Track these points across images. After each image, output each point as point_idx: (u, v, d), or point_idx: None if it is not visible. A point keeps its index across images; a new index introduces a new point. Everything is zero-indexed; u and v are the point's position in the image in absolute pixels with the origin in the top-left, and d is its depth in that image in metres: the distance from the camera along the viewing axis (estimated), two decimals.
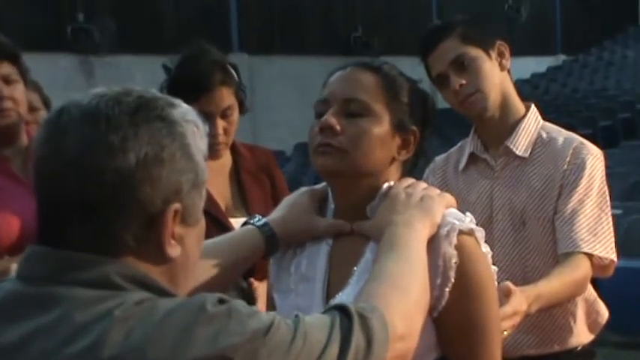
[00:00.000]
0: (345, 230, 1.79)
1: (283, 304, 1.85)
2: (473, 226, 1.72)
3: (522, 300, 2.17)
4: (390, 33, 19.27)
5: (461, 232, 1.69)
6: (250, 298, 2.61)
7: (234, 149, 2.88)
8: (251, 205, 2.79)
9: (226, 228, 2.50)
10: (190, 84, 2.62)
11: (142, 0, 16.21)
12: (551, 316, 2.56)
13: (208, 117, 2.59)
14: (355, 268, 1.74)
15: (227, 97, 2.69)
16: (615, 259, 2.51)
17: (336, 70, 1.84)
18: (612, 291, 4.38)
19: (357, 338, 1.33)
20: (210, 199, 2.69)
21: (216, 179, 2.76)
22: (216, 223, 2.54)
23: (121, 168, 1.24)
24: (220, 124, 2.68)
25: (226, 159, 2.85)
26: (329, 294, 1.76)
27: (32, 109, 3.39)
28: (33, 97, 3.47)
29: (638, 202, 8.54)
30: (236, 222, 2.69)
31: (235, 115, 2.75)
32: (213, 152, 2.73)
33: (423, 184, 1.77)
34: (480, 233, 1.73)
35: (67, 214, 1.26)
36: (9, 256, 2.59)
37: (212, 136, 2.59)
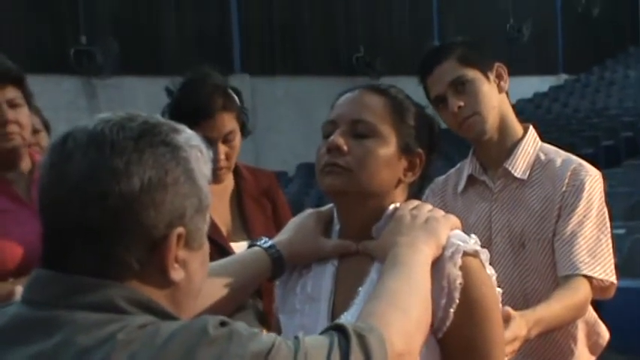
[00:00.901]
0: (350, 250, 1.81)
1: (289, 324, 1.85)
2: (477, 247, 1.73)
3: (522, 325, 2.17)
4: (392, 53, 19.30)
5: (465, 254, 1.70)
6: (265, 319, 2.61)
7: (236, 172, 2.88)
8: (252, 229, 2.79)
9: (228, 254, 2.51)
10: (191, 109, 2.62)
11: (144, 22, 16.26)
12: (552, 339, 2.55)
13: (210, 142, 2.60)
14: (360, 289, 1.75)
15: (228, 122, 2.69)
16: (615, 282, 2.51)
17: (344, 92, 1.86)
18: (615, 311, 4.37)
19: (356, 357, 1.34)
20: (212, 225, 2.69)
21: (217, 203, 2.75)
22: (218, 249, 2.54)
23: (125, 192, 1.25)
24: (222, 149, 2.68)
25: (228, 182, 2.85)
26: (334, 314, 1.77)
27: (34, 131, 3.41)
28: (34, 119, 3.49)
29: None
30: (236, 246, 2.70)
31: (237, 139, 2.74)
32: (215, 177, 2.72)
33: (428, 206, 1.79)
34: (485, 255, 1.74)
35: (72, 239, 1.27)
36: (13, 279, 2.60)
37: (214, 161, 2.59)
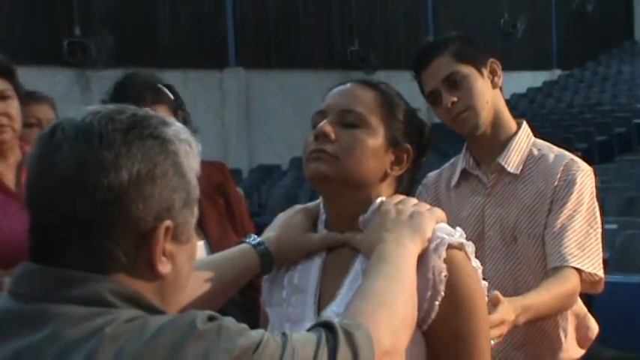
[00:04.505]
0: (337, 243, 1.82)
1: (275, 315, 1.86)
2: (462, 240, 1.73)
3: (510, 310, 2.19)
4: (386, 47, 19.31)
5: (450, 246, 1.70)
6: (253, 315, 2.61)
7: None
8: (208, 228, 2.79)
9: None
10: (120, 102, 2.66)
11: (138, 14, 16.22)
12: (542, 331, 2.57)
13: None
14: (345, 280, 1.76)
15: (162, 114, 2.70)
16: (603, 276, 2.53)
17: (335, 86, 1.87)
18: (607, 306, 4.39)
19: (343, 353, 1.34)
20: None
21: None
22: None
23: (113, 185, 1.25)
24: None
25: None
26: (320, 305, 1.78)
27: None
28: (50, 114, 3.49)
29: (633, 217, 8.55)
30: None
31: None
32: None
33: (413, 200, 1.79)
34: (470, 248, 1.75)
35: (59, 231, 1.26)
36: (2, 270, 2.59)
37: None
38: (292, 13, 18.50)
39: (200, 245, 2.69)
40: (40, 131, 2.98)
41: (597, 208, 2.57)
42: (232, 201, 2.90)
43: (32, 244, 1.31)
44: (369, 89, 1.82)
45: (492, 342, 2.04)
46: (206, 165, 2.92)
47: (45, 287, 1.26)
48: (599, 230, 2.54)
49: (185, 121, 2.81)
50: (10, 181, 2.81)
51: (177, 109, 2.79)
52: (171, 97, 2.77)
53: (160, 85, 2.77)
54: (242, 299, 2.63)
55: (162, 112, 2.67)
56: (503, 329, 2.15)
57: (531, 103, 20.14)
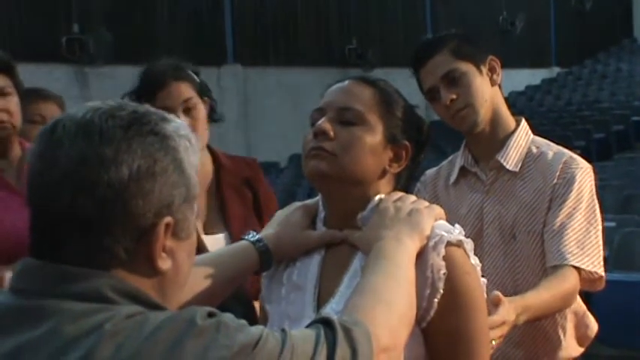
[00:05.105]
0: (336, 239, 1.82)
1: (274, 312, 1.86)
2: (461, 237, 1.74)
3: (511, 310, 2.18)
4: (384, 45, 19.31)
5: (449, 244, 1.70)
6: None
7: (215, 160, 2.87)
8: (231, 221, 2.78)
9: (200, 250, 2.52)
10: (146, 84, 2.74)
11: (137, 11, 16.22)
12: (541, 329, 2.57)
13: (170, 112, 2.64)
14: (344, 277, 1.76)
15: (185, 91, 2.73)
16: (603, 274, 2.53)
17: (334, 83, 1.88)
18: (605, 304, 4.39)
19: (342, 350, 1.34)
20: None
21: None
22: None
23: (113, 181, 1.25)
24: (183, 119, 2.66)
25: (207, 171, 2.83)
26: (319, 302, 1.78)
27: None
28: (56, 112, 3.50)
29: (632, 215, 8.54)
30: (213, 239, 2.69)
31: (200, 113, 2.76)
32: None
33: (412, 198, 1.79)
34: (469, 245, 1.75)
35: (60, 227, 1.27)
36: (2, 266, 2.59)
37: None
38: (290, 11, 18.50)
39: (220, 238, 2.69)
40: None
41: (597, 206, 2.57)
42: (260, 198, 2.88)
43: (32, 240, 1.31)
44: (367, 86, 1.82)
45: (493, 342, 2.04)
46: (237, 159, 2.95)
47: (45, 283, 1.26)
48: (599, 228, 2.54)
49: (212, 109, 2.84)
50: (10, 177, 2.82)
51: (204, 94, 2.80)
52: (196, 78, 2.79)
53: (183, 65, 2.80)
54: (245, 295, 2.63)
55: (185, 90, 2.73)
56: (504, 330, 2.15)
57: (530, 101, 20.14)
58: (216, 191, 2.84)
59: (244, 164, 2.94)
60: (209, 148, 2.88)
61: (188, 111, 2.72)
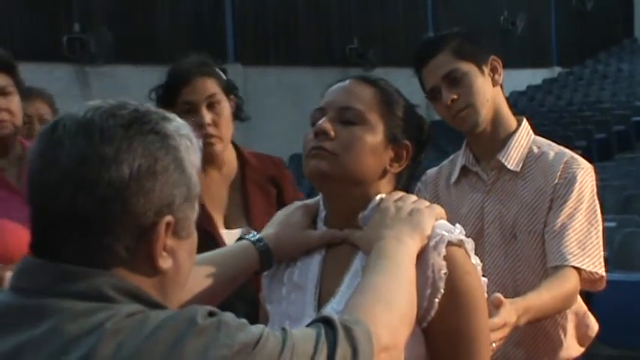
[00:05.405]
0: (336, 239, 1.82)
1: (275, 312, 1.86)
2: (462, 237, 1.74)
3: (512, 312, 2.18)
4: (385, 45, 19.29)
5: (450, 244, 1.70)
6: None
7: (241, 157, 2.91)
8: (253, 217, 2.79)
9: (217, 243, 2.52)
10: (172, 78, 2.76)
11: (138, 11, 16.21)
12: (541, 329, 2.57)
13: (194, 107, 2.72)
14: (345, 277, 1.76)
15: (210, 86, 2.76)
16: (604, 274, 2.52)
17: (334, 82, 1.88)
18: (606, 304, 4.39)
19: (343, 349, 1.34)
20: (204, 213, 2.71)
21: (217, 190, 2.79)
22: (210, 239, 2.57)
23: (114, 180, 1.25)
24: (207, 114, 2.73)
25: (231, 168, 2.87)
26: (320, 302, 1.78)
27: (42, 120, 3.44)
28: (44, 109, 3.51)
29: (632, 215, 8.54)
30: (231, 234, 2.70)
31: (224, 109, 2.79)
32: (204, 145, 2.79)
33: (413, 197, 1.79)
34: (470, 244, 1.75)
35: (60, 226, 1.27)
36: (2, 265, 2.59)
37: (200, 126, 2.66)
38: (291, 10, 18.49)
39: (237, 233, 2.69)
40: (29, 128, 3.01)
41: (598, 206, 2.57)
42: (285, 196, 2.90)
43: (33, 239, 1.31)
44: (368, 86, 1.82)
45: (494, 345, 2.04)
46: (263, 157, 2.98)
47: (46, 282, 1.26)
48: (600, 228, 2.54)
49: (238, 107, 2.87)
50: (11, 176, 2.82)
51: (230, 92, 2.84)
52: (222, 75, 2.83)
53: (210, 62, 2.84)
54: (252, 295, 2.64)
55: (210, 85, 2.76)
56: (506, 331, 2.14)
57: (531, 101, 20.14)
58: (241, 187, 2.87)
59: (270, 162, 2.97)
60: (234, 144, 2.93)
61: (211, 106, 2.76)
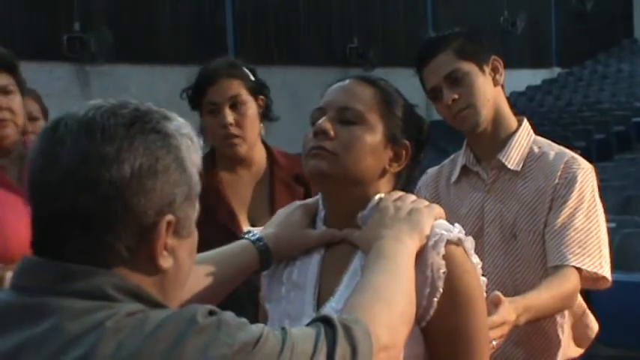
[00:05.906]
0: (335, 238, 1.82)
1: (274, 311, 1.87)
2: (461, 236, 1.74)
3: (511, 310, 2.18)
4: (385, 45, 19.29)
5: (449, 243, 1.71)
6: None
7: (270, 156, 2.97)
8: None
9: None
10: (199, 80, 2.84)
11: (138, 10, 16.19)
12: (541, 329, 2.57)
13: (217, 108, 2.79)
14: (344, 276, 1.76)
15: (234, 87, 2.83)
16: (606, 274, 2.51)
17: (334, 82, 1.88)
18: (606, 304, 4.39)
19: (342, 348, 1.35)
20: (230, 213, 2.74)
21: (246, 189, 2.83)
22: (232, 238, 2.60)
23: (115, 179, 1.25)
24: (229, 114, 2.80)
25: (260, 167, 2.94)
26: (319, 301, 1.78)
27: (31, 118, 3.43)
28: (33, 107, 3.51)
29: (632, 216, 8.54)
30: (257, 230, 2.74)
31: (250, 110, 2.86)
32: (227, 145, 2.83)
33: (412, 197, 1.80)
34: (469, 243, 1.75)
35: (61, 225, 1.27)
36: (3, 265, 2.59)
37: (222, 126, 2.70)
38: (292, 10, 18.48)
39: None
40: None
41: (599, 206, 2.56)
42: (312, 194, 2.93)
43: (34, 237, 1.31)
44: (367, 86, 1.83)
45: (493, 342, 2.04)
46: (292, 156, 3.02)
47: (46, 281, 1.26)
48: (602, 228, 2.53)
49: (267, 108, 2.94)
50: (13, 176, 2.82)
51: (258, 93, 2.91)
52: (250, 76, 2.90)
53: (239, 63, 2.92)
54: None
55: (236, 86, 2.84)
56: (505, 330, 2.14)
57: (530, 101, 20.13)
58: (269, 185, 2.93)
59: (298, 161, 2.99)
60: (264, 143, 3.00)
61: (235, 107, 2.82)
